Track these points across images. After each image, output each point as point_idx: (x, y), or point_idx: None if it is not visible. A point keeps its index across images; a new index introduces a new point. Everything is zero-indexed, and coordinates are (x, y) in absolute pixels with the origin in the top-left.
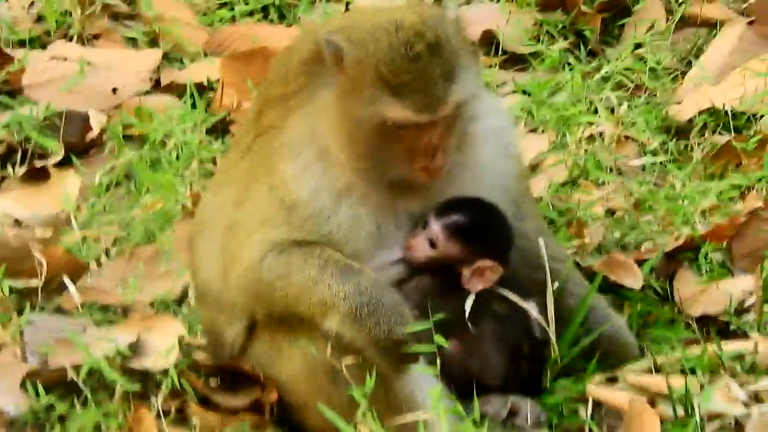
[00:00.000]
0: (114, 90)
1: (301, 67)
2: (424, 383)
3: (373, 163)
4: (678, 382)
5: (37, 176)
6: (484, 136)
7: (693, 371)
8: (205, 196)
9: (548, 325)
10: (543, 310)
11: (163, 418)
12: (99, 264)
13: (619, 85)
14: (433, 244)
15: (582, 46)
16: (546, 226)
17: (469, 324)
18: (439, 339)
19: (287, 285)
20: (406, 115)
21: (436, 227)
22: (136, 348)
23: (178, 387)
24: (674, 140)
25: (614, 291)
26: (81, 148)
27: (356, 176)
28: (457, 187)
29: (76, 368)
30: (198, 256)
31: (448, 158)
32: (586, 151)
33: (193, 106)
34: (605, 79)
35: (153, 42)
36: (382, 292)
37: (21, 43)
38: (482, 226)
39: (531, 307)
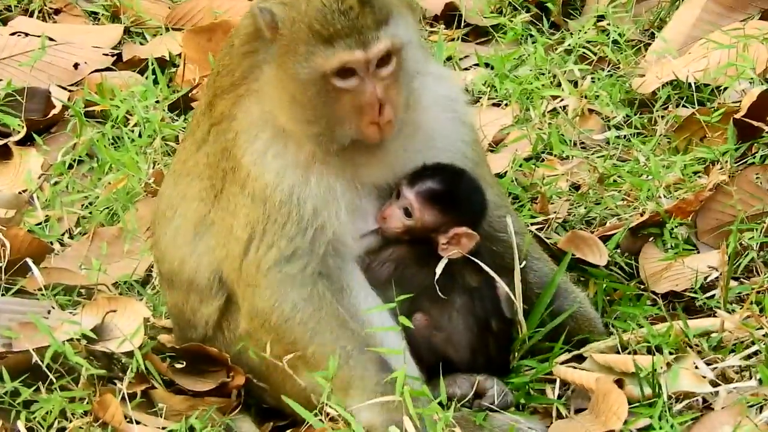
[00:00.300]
0: (76, 66)
1: (243, 50)
2: (391, 363)
3: (323, 128)
4: (645, 360)
5: None
6: (435, 102)
7: (659, 350)
8: (164, 185)
9: (516, 303)
10: (509, 287)
11: (128, 402)
12: (62, 244)
13: (583, 58)
14: (408, 213)
15: (544, 19)
16: (506, 197)
17: (440, 294)
18: (403, 320)
19: (290, 334)
20: (339, 58)
21: (410, 195)
22: (100, 331)
23: (144, 370)
24: (638, 114)
25: (579, 268)
26: (43, 125)
27: (315, 147)
28: (411, 153)
29: (41, 351)
30: (163, 246)
31: (398, 116)
32: (549, 125)
33: (155, 82)
34: (568, 51)
35: (114, 17)
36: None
37: None
38: (457, 193)
39: (502, 283)
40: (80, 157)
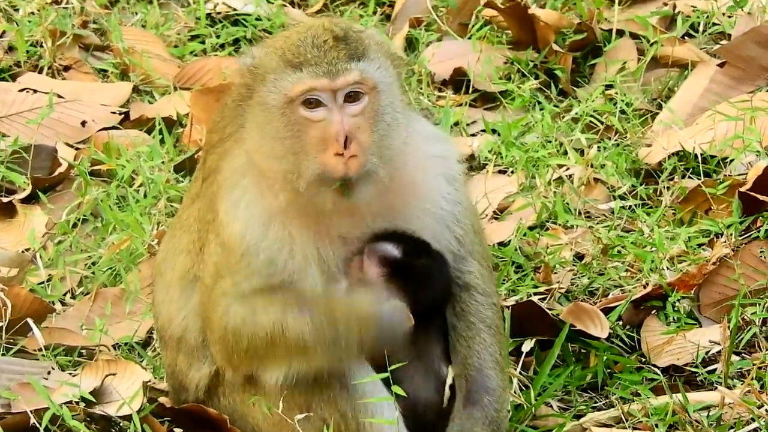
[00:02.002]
0: (83, 123)
1: (232, 105)
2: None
3: (290, 163)
4: None
5: (3, 212)
6: (423, 161)
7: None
8: (163, 240)
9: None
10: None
11: None
12: (64, 304)
13: (590, 127)
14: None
15: (553, 86)
16: (491, 274)
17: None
18: (397, 389)
19: (255, 331)
20: (304, 83)
21: (367, 248)
22: (99, 393)
23: None
24: (644, 184)
25: (580, 340)
26: (48, 183)
27: (288, 191)
28: (389, 209)
29: (39, 414)
30: (158, 301)
31: (366, 156)
32: (555, 193)
33: (162, 141)
34: (575, 119)
35: (123, 74)
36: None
37: None
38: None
39: (449, 376)
40: (85, 216)
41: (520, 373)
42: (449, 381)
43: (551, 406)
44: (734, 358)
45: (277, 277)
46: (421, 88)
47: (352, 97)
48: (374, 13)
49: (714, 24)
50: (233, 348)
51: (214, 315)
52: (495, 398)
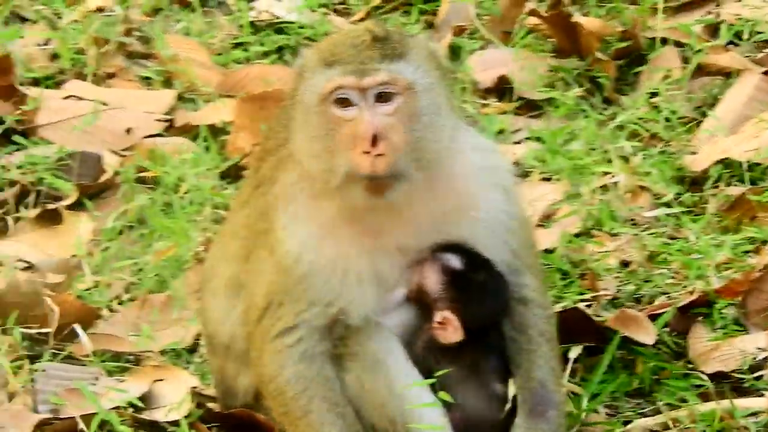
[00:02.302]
0: (128, 131)
1: (285, 112)
2: None
3: (324, 161)
4: None
5: (49, 219)
6: (473, 170)
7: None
8: (212, 247)
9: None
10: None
11: None
12: (111, 311)
13: (634, 134)
14: (420, 272)
15: (597, 94)
16: (545, 287)
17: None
18: (444, 396)
19: (283, 407)
20: (334, 81)
21: (430, 255)
22: (147, 399)
23: None
24: (689, 191)
25: (627, 347)
26: (94, 190)
27: (338, 200)
28: (441, 218)
29: (87, 419)
30: (205, 308)
31: (397, 158)
32: (600, 201)
33: (207, 149)
34: (620, 127)
35: (167, 82)
36: None
37: (35, 82)
38: (468, 281)
39: (511, 389)
40: (131, 223)
41: (568, 379)
42: (512, 393)
43: (599, 413)
44: None
45: (334, 305)
46: (464, 97)
47: (383, 97)
48: (417, 21)
49: (758, 32)
50: (269, 394)
51: (266, 365)
52: (558, 412)
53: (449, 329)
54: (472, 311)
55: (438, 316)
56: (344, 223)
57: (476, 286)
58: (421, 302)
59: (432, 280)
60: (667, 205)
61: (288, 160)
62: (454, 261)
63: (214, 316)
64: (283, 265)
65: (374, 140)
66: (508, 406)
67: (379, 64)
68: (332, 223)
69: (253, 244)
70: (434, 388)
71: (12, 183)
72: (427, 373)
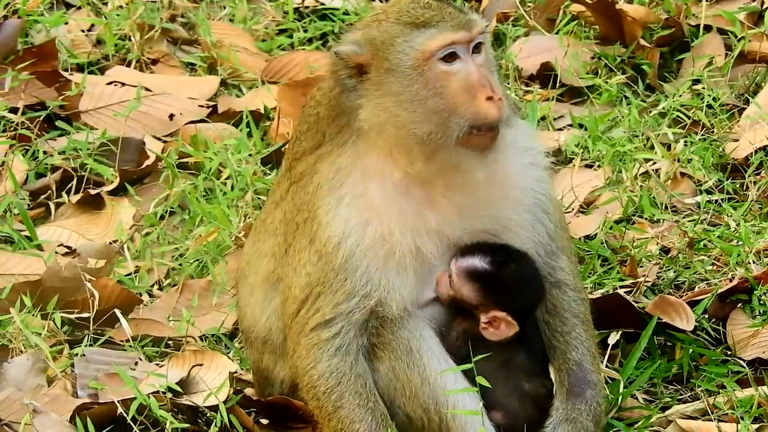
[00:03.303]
0: (171, 117)
1: (329, 114)
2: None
3: (435, 123)
4: (730, 428)
5: (91, 204)
6: (514, 151)
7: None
8: (246, 244)
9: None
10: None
11: None
12: (151, 296)
13: (676, 121)
14: (451, 283)
15: (640, 81)
16: (578, 269)
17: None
18: (481, 380)
19: (316, 400)
20: (446, 37)
21: (454, 266)
22: (186, 384)
23: (228, 425)
24: (730, 178)
25: (665, 332)
26: (136, 175)
27: (413, 162)
28: (485, 199)
29: (126, 404)
30: (241, 303)
31: (504, 99)
32: (641, 187)
33: (249, 135)
34: (662, 114)
35: (211, 68)
36: None
37: (79, 68)
38: (502, 277)
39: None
40: (172, 208)
41: (606, 365)
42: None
43: (637, 399)
44: None
45: (373, 296)
46: (508, 83)
47: (477, 48)
48: None
49: None
50: (303, 386)
51: (300, 358)
52: (596, 392)
53: (501, 326)
54: (516, 301)
55: (485, 318)
56: (393, 201)
57: (511, 277)
58: (460, 308)
59: (466, 290)
60: (708, 191)
61: (330, 153)
62: (481, 263)
63: (250, 311)
64: (324, 252)
65: (489, 84)
66: (551, 385)
67: (473, 15)
68: (381, 203)
69: (292, 237)
70: (470, 376)
71: (54, 168)
72: (461, 364)
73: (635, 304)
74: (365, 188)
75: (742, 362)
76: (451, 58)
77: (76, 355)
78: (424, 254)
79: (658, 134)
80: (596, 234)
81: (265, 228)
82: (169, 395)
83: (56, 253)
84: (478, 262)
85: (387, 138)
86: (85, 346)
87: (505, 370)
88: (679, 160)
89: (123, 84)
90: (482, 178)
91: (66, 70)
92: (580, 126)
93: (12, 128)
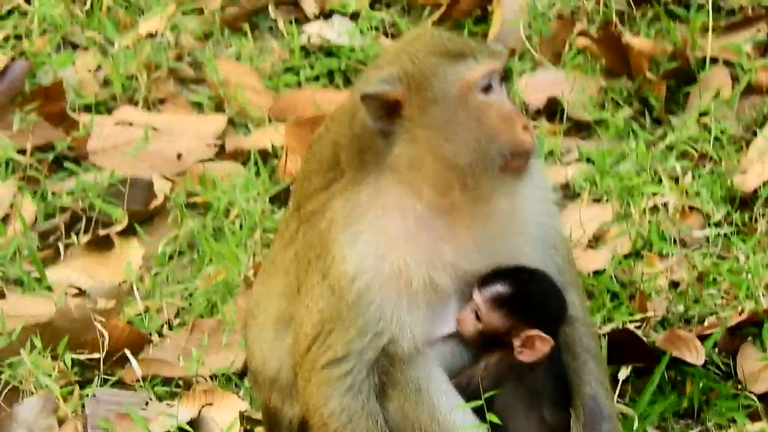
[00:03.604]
0: (178, 156)
1: (350, 154)
2: None
3: (476, 152)
4: None
5: (100, 244)
6: (530, 185)
7: None
8: (255, 285)
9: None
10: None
11: None
12: (161, 336)
13: (684, 154)
14: (478, 317)
15: (647, 114)
16: (586, 304)
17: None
18: (492, 417)
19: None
20: (486, 67)
21: (478, 298)
22: (197, 423)
23: None
24: (738, 211)
25: (675, 366)
26: (144, 215)
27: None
28: (499, 234)
29: None
30: (250, 344)
31: None
32: (649, 221)
33: (257, 173)
34: (670, 147)
35: (218, 107)
36: None
37: (87, 108)
38: (526, 295)
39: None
40: (181, 248)
41: (617, 400)
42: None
43: None
44: None
45: (385, 334)
46: None
47: (502, 79)
48: None
49: None
50: (313, 424)
51: (311, 396)
52: (612, 426)
53: (536, 344)
54: (544, 315)
55: (518, 341)
56: (412, 235)
57: (534, 293)
58: (489, 340)
59: (496, 318)
60: (717, 225)
61: (342, 193)
62: (503, 288)
63: (259, 351)
64: (338, 287)
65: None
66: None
67: (497, 46)
68: (399, 237)
69: (304, 275)
70: (482, 414)
71: (63, 209)
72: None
73: (645, 339)
74: (385, 223)
75: (752, 396)
76: (487, 88)
77: (87, 395)
78: (439, 288)
79: (666, 167)
80: (605, 269)
81: (275, 269)
82: None
83: (66, 294)
84: (500, 287)
85: (423, 171)
86: (96, 386)
87: (531, 399)
88: (687, 194)
89: (130, 124)
90: (507, 208)
91: (73, 110)
92: (588, 160)
93: (20, 169)
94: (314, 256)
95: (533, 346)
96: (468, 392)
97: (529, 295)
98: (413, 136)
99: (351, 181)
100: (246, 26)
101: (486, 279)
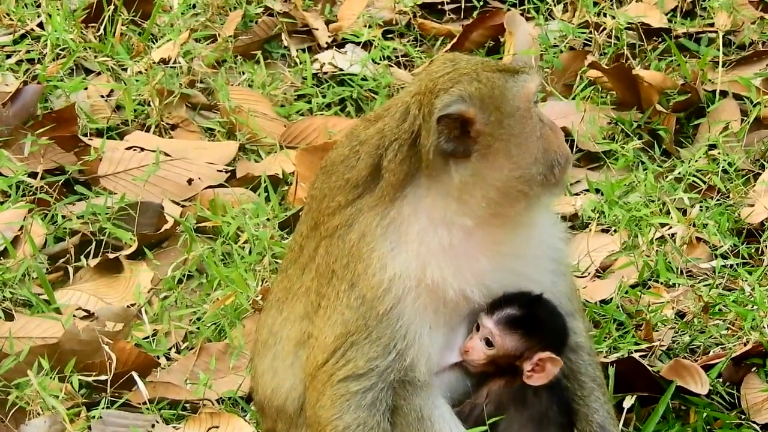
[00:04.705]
0: (189, 181)
1: (372, 173)
2: None
3: (542, 160)
4: None
5: (109, 267)
6: (544, 214)
7: None
8: (264, 316)
9: None
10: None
11: None
12: (169, 359)
13: (692, 186)
14: (489, 343)
15: (656, 146)
16: (589, 332)
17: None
18: None
19: None
20: (536, 81)
21: (489, 324)
22: None
23: None
24: (745, 243)
25: (680, 396)
26: (154, 239)
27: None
28: (523, 261)
29: None
30: (260, 374)
31: None
32: (657, 252)
33: (267, 199)
34: (678, 179)
35: (230, 133)
36: None
37: (98, 132)
38: (537, 317)
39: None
40: (190, 272)
41: (622, 429)
42: None
43: None
44: None
45: (407, 355)
46: None
47: None
48: None
49: None
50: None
51: (325, 408)
52: None
53: (547, 366)
54: (553, 337)
55: (529, 365)
56: (455, 249)
57: (543, 316)
58: (498, 366)
59: (510, 342)
60: (724, 256)
61: (374, 208)
62: (515, 311)
63: (271, 380)
64: (369, 296)
65: None
66: None
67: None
68: (443, 251)
69: (327, 286)
70: None
71: (73, 232)
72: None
73: (650, 368)
74: (430, 236)
75: (756, 426)
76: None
77: (94, 417)
78: (471, 303)
79: (674, 199)
80: (612, 298)
81: (292, 294)
82: None
83: (74, 316)
84: (511, 311)
85: (487, 185)
86: (103, 408)
87: (536, 423)
88: (694, 225)
89: (142, 149)
90: (526, 231)
91: (85, 135)
92: (597, 191)
93: (31, 192)
94: (341, 266)
95: (544, 369)
96: (471, 421)
97: (540, 318)
98: (488, 151)
99: (383, 196)
100: (259, 54)
101: (496, 304)
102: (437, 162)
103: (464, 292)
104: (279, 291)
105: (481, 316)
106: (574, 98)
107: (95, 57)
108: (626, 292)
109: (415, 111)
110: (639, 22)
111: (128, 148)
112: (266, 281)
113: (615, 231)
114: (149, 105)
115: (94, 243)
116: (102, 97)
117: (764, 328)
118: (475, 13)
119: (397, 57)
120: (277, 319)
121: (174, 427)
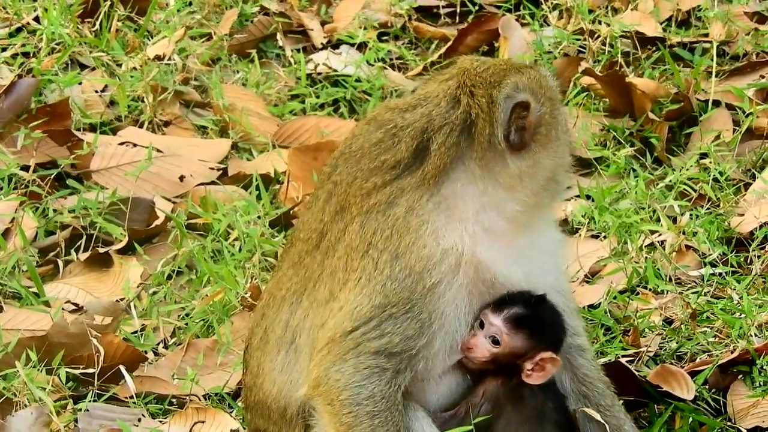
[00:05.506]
0: (181, 178)
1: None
2: None
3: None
4: None
5: (100, 262)
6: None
7: None
8: (274, 313)
9: None
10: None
11: None
12: (157, 354)
13: (683, 194)
14: (496, 341)
15: (648, 153)
16: (584, 332)
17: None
18: None
19: (350, 418)
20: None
21: (497, 321)
22: None
23: None
24: (734, 252)
25: (666, 401)
26: (145, 235)
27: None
28: (534, 258)
29: None
30: (264, 372)
31: None
32: (646, 259)
33: (258, 197)
34: (669, 187)
35: (223, 131)
36: None
37: (92, 127)
38: (542, 317)
39: None
40: (179, 268)
41: None
42: None
43: None
44: None
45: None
46: None
47: None
48: None
49: None
50: (333, 399)
51: (344, 374)
52: None
53: (547, 365)
54: (555, 336)
55: (530, 364)
56: (501, 233)
57: (546, 314)
58: (499, 365)
59: (518, 340)
60: (713, 264)
61: (419, 185)
62: (521, 309)
63: (270, 381)
64: (417, 269)
65: None
66: None
67: None
68: (491, 232)
69: (358, 261)
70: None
71: (64, 226)
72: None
73: (637, 373)
74: (484, 217)
75: (742, 431)
76: None
77: (80, 410)
78: (496, 291)
79: (665, 207)
80: (600, 303)
81: (313, 282)
82: None
83: (63, 309)
84: (518, 309)
85: (538, 174)
86: (89, 401)
87: (535, 421)
88: (684, 233)
89: (135, 144)
90: (549, 221)
91: (78, 129)
92: (587, 197)
93: (23, 185)
94: (381, 238)
95: (544, 369)
96: (468, 420)
97: (543, 316)
98: (546, 139)
99: (427, 178)
100: (253, 53)
101: (500, 303)
102: (492, 149)
103: (501, 276)
104: (293, 284)
105: (485, 314)
106: (567, 104)
107: (90, 52)
108: (614, 298)
109: (467, 101)
110: (634, 31)
111: (121, 144)
112: (255, 279)
113: (605, 237)
114: (143, 101)
115: (84, 237)
116: (96, 92)
117: (751, 336)
118: (470, 18)
119: (391, 59)
120: (296, 313)
121: (160, 421)
